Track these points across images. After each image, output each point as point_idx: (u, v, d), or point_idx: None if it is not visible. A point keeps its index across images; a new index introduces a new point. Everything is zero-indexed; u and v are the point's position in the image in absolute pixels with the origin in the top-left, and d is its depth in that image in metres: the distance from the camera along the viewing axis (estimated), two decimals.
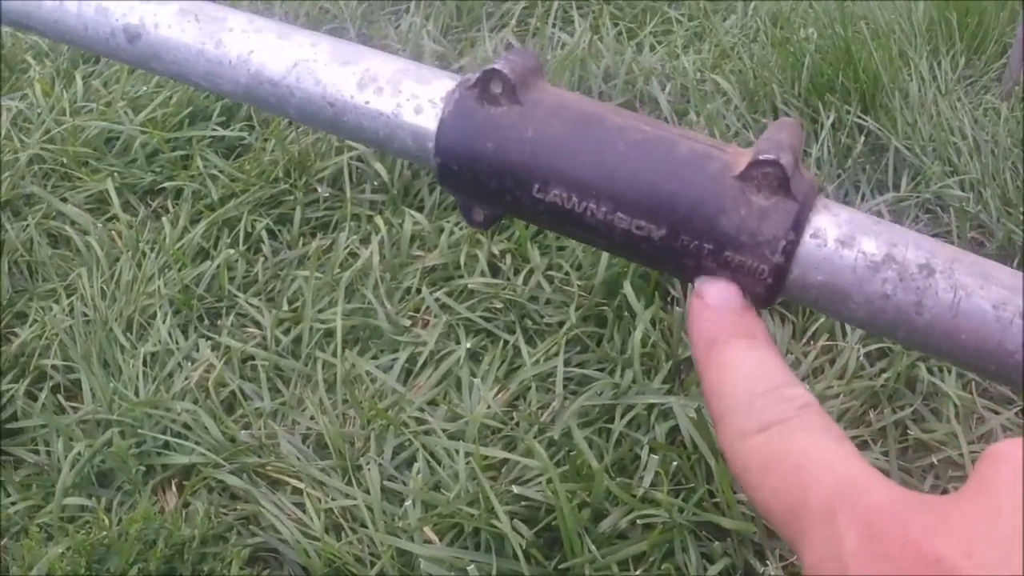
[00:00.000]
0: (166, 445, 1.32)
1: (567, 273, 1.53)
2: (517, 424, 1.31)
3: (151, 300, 1.55)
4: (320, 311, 1.52)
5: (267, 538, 1.22)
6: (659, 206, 0.33)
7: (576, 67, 2.03)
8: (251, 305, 1.55)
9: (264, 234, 1.69)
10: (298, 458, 1.29)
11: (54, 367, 1.46)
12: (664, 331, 1.42)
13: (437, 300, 1.51)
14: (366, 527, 1.20)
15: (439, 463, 1.27)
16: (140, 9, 0.43)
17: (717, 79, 2.00)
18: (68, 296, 1.58)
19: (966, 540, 0.22)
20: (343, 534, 1.21)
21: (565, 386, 1.36)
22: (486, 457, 1.25)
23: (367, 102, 0.39)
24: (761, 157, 0.32)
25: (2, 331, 1.53)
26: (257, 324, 1.53)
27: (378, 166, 1.76)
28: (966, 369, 0.36)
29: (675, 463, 1.21)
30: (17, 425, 1.38)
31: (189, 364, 1.46)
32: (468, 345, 1.42)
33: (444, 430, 1.30)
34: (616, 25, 2.24)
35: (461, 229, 1.63)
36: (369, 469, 1.26)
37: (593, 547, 1.12)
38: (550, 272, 1.54)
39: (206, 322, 1.55)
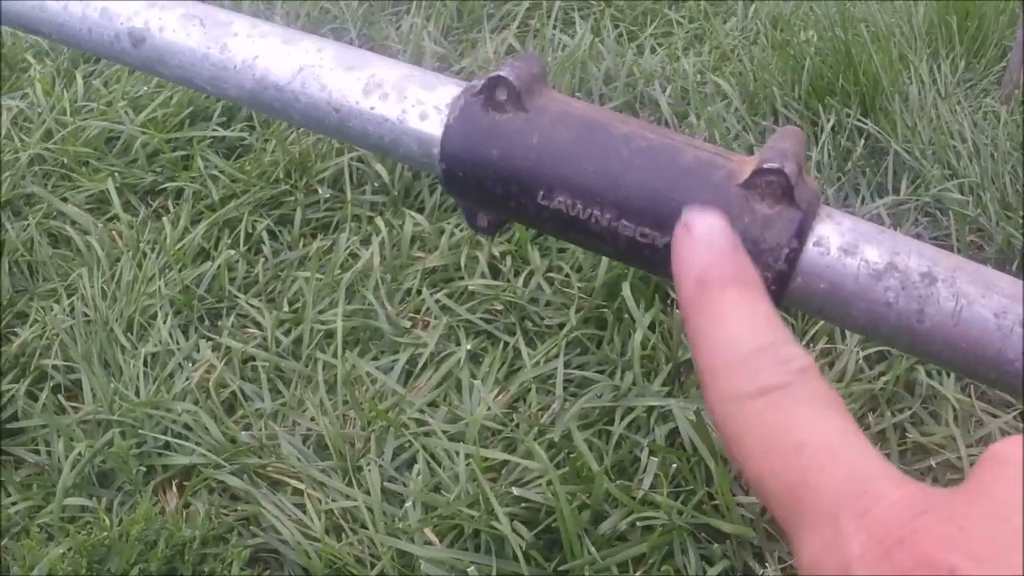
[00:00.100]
0: (167, 446, 1.32)
1: (567, 275, 1.53)
2: (517, 426, 1.32)
3: (152, 300, 1.55)
4: (321, 312, 1.52)
5: (268, 539, 1.22)
6: (664, 214, 0.33)
7: (577, 69, 2.03)
8: (252, 306, 1.55)
9: (265, 235, 1.69)
10: (299, 459, 1.29)
11: (55, 367, 1.46)
12: (664, 334, 1.43)
13: (437, 302, 1.52)
14: (366, 528, 1.20)
15: (439, 464, 1.27)
16: (145, 12, 0.43)
17: (718, 81, 2.00)
18: (69, 296, 1.58)
19: (978, 547, 0.23)
20: (343, 535, 1.21)
21: (565, 388, 1.36)
22: (486, 459, 1.25)
23: (372, 108, 0.39)
24: (765, 166, 0.32)
25: (3, 331, 1.53)
26: (258, 325, 1.53)
27: (379, 167, 1.76)
28: (967, 376, 0.36)
29: (675, 465, 1.21)
30: (18, 425, 1.38)
31: (190, 365, 1.46)
32: (468, 347, 1.43)
33: (444, 431, 1.30)
34: (617, 27, 2.24)
35: (461, 231, 1.63)
36: (369, 470, 1.26)
37: (593, 549, 1.13)
38: (550, 274, 1.54)
39: (207, 323, 1.55)
